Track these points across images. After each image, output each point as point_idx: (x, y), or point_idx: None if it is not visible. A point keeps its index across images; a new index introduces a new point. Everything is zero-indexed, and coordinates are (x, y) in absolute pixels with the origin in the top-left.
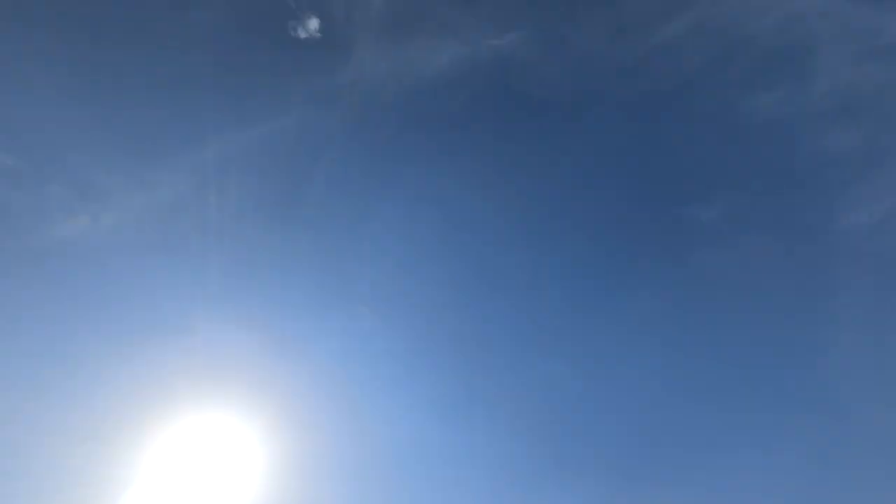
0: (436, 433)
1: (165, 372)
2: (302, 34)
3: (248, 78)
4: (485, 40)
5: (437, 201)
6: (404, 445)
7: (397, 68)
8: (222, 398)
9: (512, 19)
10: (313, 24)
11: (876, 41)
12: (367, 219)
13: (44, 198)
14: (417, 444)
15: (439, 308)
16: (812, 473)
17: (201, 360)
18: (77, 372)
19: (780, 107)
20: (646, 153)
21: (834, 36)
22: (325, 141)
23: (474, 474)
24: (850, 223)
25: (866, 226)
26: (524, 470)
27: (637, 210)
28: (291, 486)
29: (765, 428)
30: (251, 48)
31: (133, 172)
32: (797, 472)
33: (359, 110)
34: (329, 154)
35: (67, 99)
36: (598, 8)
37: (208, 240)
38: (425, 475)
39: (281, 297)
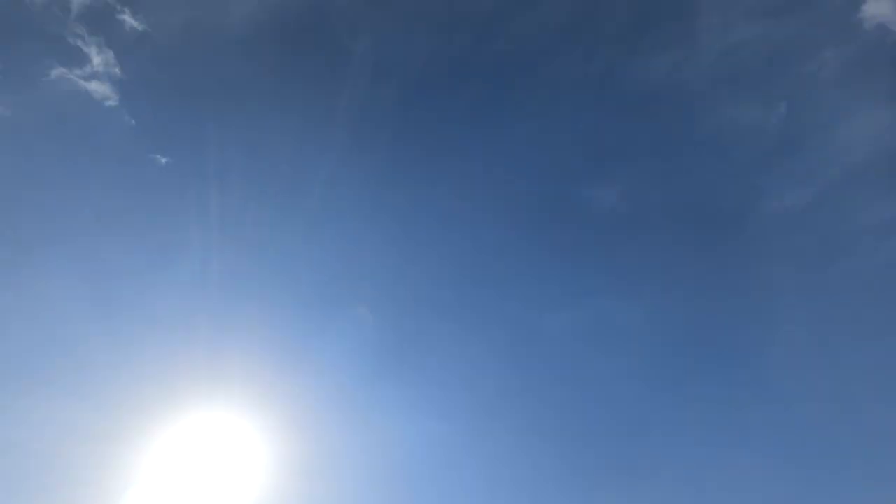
0: (435, 432)
1: (166, 372)
2: None
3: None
4: None
5: (229, 164)
6: (404, 444)
7: (192, 18)
8: (223, 398)
9: None
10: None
11: None
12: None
13: None
14: (417, 443)
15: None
16: (736, 460)
17: (201, 360)
18: (78, 371)
19: (666, 74)
20: (511, 126)
21: None
22: (111, 98)
23: (474, 473)
24: (772, 209)
25: (791, 212)
26: (523, 468)
27: (524, 194)
28: (293, 485)
29: (672, 419)
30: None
31: None
32: (703, 456)
33: (151, 66)
34: (123, 111)
35: None
36: None
37: (207, 239)
38: (425, 474)
39: (281, 296)
